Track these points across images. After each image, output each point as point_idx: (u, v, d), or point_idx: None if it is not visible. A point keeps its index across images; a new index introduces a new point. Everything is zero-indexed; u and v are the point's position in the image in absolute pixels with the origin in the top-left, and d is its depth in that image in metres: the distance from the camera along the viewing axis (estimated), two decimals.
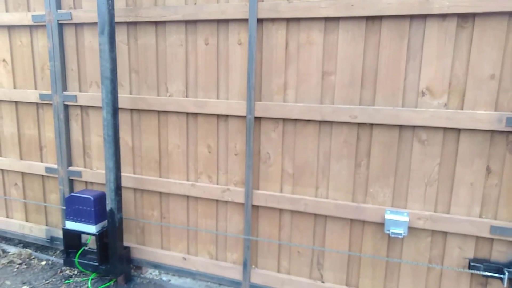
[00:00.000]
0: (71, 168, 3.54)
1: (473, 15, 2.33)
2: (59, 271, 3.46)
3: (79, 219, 3.19)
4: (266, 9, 2.70)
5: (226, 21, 2.85)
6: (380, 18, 2.51)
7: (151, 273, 3.40)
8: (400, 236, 2.59)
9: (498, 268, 2.48)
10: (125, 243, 3.43)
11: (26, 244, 3.91)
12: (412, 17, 2.45)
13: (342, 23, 2.59)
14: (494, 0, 2.25)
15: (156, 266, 3.38)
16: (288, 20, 2.71)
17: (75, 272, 3.44)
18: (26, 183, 3.82)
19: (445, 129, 2.49)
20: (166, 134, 3.18)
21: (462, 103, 2.44)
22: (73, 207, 3.19)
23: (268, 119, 2.87)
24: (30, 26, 3.45)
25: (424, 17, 2.42)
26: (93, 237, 3.21)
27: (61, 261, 3.57)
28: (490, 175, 2.46)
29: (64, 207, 3.25)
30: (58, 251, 3.78)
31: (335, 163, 2.76)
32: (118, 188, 3.07)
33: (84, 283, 3.27)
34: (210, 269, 3.22)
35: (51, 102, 3.46)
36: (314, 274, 2.97)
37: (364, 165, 2.70)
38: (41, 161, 3.69)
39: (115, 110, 2.97)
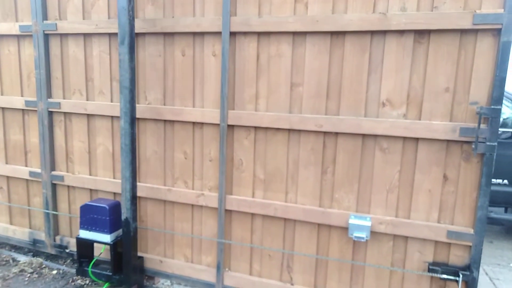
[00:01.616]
0: (54, 173, 3.66)
1: (429, 32, 2.49)
2: (70, 281, 3.46)
3: (93, 228, 3.18)
4: (238, 23, 2.85)
5: (202, 34, 3.00)
6: (343, 33, 2.66)
7: (163, 283, 3.39)
8: (362, 240, 2.72)
9: (455, 271, 2.61)
10: None
11: (36, 253, 3.90)
12: (372, 32, 2.60)
13: (309, 37, 2.74)
14: (446, 19, 2.41)
15: None
16: (259, 34, 2.86)
17: (87, 282, 3.43)
18: (11, 187, 3.93)
19: (404, 138, 2.63)
20: (145, 141, 3.31)
21: (420, 114, 2.58)
22: (88, 216, 3.18)
23: (241, 127, 3.01)
24: (18, 36, 3.60)
25: (384, 33, 2.58)
26: (107, 247, 3.22)
27: (72, 270, 3.58)
28: (447, 183, 2.59)
29: (79, 216, 3.23)
30: (69, 260, 3.78)
31: (303, 170, 2.90)
32: (134, 198, 3.08)
33: None
34: (186, 271, 3.33)
35: (36, 109, 3.60)
36: (284, 277, 3.08)
37: (330, 171, 2.84)
38: (26, 166, 3.81)
39: (132, 120, 2.99)
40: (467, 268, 2.59)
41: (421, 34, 2.51)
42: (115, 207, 3.19)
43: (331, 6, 2.66)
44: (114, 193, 3.50)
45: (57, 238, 3.77)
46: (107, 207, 3.13)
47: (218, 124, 3.03)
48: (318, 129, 2.78)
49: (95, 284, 3.39)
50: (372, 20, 2.55)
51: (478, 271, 2.56)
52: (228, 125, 3.01)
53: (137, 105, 3.24)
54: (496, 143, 2.42)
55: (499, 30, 2.34)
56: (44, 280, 3.46)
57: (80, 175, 3.58)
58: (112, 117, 3.38)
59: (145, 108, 3.22)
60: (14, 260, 3.79)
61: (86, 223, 3.21)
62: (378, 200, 2.75)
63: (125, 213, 3.08)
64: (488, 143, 2.43)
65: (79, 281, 3.44)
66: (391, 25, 2.52)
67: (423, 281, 2.72)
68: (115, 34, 3.24)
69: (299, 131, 2.86)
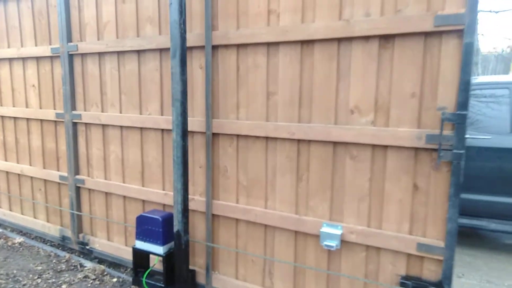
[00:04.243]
0: (77, 177, 4.10)
1: (393, 36, 2.43)
2: None
3: (147, 239, 3.26)
4: (219, 37, 3.02)
5: (191, 48, 3.21)
6: (312, 42, 2.69)
7: None
8: (332, 249, 2.68)
9: (427, 287, 2.46)
10: (108, 241, 3.89)
11: (100, 260, 4.07)
12: (339, 40, 2.60)
13: (281, 47, 2.81)
14: (408, 22, 2.34)
15: None
16: (238, 46, 2.99)
17: None
18: (48, 189, 4.47)
19: (373, 146, 2.57)
20: (147, 148, 3.60)
21: (388, 121, 2.51)
22: (143, 227, 3.27)
23: (225, 135, 3.14)
24: (51, 57, 4.14)
25: (350, 39, 2.57)
26: (160, 258, 3.29)
27: (131, 279, 3.66)
28: (418, 192, 2.47)
29: (135, 227, 3.37)
30: (129, 269, 3.89)
31: (281, 177, 2.94)
32: (185, 210, 3.11)
33: None
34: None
35: (63, 120, 4.09)
36: (266, 283, 3.12)
37: (305, 179, 2.85)
38: (58, 170, 4.32)
39: (184, 132, 3.02)
40: (439, 284, 2.43)
41: (386, 39, 2.46)
42: (169, 219, 3.24)
43: (300, 16, 2.72)
44: (124, 197, 3.83)
45: (80, 235, 4.20)
46: (160, 218, 3.19)
47: (205, 133, 3.21)
48: (291, 136, 2.82)
49: None
50: (336, 27, 2.56)
51: (450, 287, 2.40)
52: (213, 133, 3.17)
53: (139, 115, 3.55)
54: (463, 151, 2.27)
55: (462, 31, 2.22)
56: (105, 287, 3.60)
57: (97, 179, 3.98)
58: (121, 126, 3.72)
59: (146, 119, 3.50)
60: (81, 265, 3.99)
61: (141, 234, 3.30)
62: (350, 209, 2.70)
63: (176, 226, 3.12)
64: (454, 151, 2.29)
65: None
66: (354, 31, 2.50)
67: None
68: (122, 52, 3.60)
69: (275, 139, 2.92)
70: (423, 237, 2.48)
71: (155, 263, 3.40)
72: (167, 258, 3.22)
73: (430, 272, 2.48)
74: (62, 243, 4.38)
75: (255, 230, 3.12)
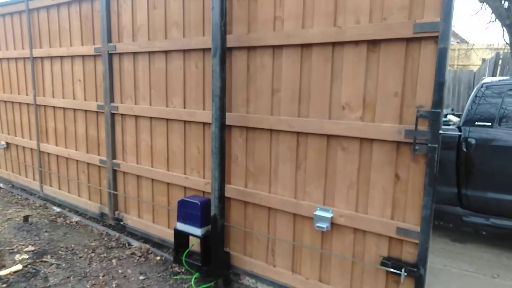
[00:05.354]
0: (114, 161, 4.67)
1: (380, 41, 2.71)
2: (169, 267, 3.91)
3: (187, 221, 3.54)
4: (232, 40, 3.41)
5: (209, 50, 3.63)
6: (310, 45, 3.02)
7: (248, 280, 3.65)
8: (323, 230, 3.02)
9: (404, 267, 2.74)
10: (139, 218, 4.42)
11: (146, 240, 4.46)
12: (333, 44, 2.91)
13: (284, 50, 3.16)
14: (391, 29, 2.62)
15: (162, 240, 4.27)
16: (248, 48, 3.37)
17: (183, 270, 3.84)
18: (90, 171, 5.10)
19: (361, 139, 2.87)
20: (172, 137, 4.07)
21: (374, 117, 2.80)
22: (184, 210, 3.56)
23: (236, 127, 3.54)
24: (94, 55, 4.72)
25: (342, 44, 2.87)
26: (198, 239, 3.57)
27: (172, 258, 3.99)
28: (399, 182, 2.75)
29: (177, 210, 3.66)
30: (171, 249, 4.20)
31: (282, 165, 3.30)
32: (221, 197, 3.39)
33: (189, 280, 3.64)
34: (196, 247, 3.97)
35: (103, 111, 4.66)
36: (269, 259, 3.50)
37: (303, 167, 3.19)
38: (98, 155, 4.92)
39: (222, 125, 3.28)
40: (415, 265, 2.70)
41: (374, 43, 2.74)
42: (207, 204, 3.52)
43: (301, 22, 3.05)
44: (152, 179, 4.34)
45: (116, 213, 4.78)
46: (199, 203, 3.50)
47: None
48: (291, 129, 3.17)
49: (188, 272, 3.76)
50: (331, 33, 2.87)
51: (425, 269, 2.66)
52: (226, 125, 3.57)
53: (165, 108, 4.04)
54: (437, 145, 2.52)
55: (437, 38, 2.47)
56: (149, 264, 4.01)
57: (130, 163, 4.53)
58: (150, 117, 4.23)
59: (171, 111, 3.98)
60: (129, 244, 4.46)
61: (182, 217, 3.60)
62: (340, 195, 3.01)
63: (213, 210, 3.41)
64: (429, 145, 2.55)
65: (176, 269, 3.89)
66: (346, 36, 2.81)
67: (380, 273, 2.90)
68: (153, 52, 4.09)
69: (278, 131, 3.28)
70: (403, 222, 2.76)
71: (193, 244, 3.72)
72: (204, 240, 3.52)
73: (409, 254, 2.76)
74: (100, 218, 5.00)
75: (260, 212, 3.50)
